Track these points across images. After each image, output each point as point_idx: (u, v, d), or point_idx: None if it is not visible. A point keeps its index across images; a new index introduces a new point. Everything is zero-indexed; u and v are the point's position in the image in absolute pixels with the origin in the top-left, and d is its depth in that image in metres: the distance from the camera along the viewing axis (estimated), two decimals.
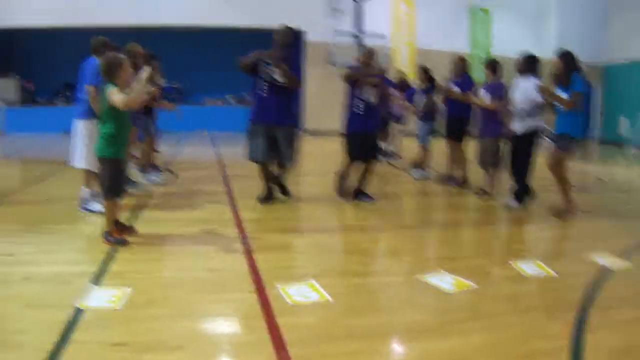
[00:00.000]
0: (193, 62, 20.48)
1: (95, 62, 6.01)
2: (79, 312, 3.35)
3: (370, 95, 7.02)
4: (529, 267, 4.57)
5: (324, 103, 19.21)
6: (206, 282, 4.07)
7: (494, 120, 7.68)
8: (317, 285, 3.92)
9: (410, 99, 10.71)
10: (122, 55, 5.06)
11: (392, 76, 12.62)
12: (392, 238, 5.94)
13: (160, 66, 8.65)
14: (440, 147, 9.66)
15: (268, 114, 6.70)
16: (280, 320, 3.32)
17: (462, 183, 8.83)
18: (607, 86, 21.54)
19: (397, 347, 3.15)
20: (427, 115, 9.91)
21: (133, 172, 8.42)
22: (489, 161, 7.77)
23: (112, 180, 4.97)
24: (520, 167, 7.15)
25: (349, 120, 7.18)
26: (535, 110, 6.94)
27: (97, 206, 6.11)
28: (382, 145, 12.60)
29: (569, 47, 6.63)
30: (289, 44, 6.83)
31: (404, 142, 12.55)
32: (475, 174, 8.42)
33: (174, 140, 15.11)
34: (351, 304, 3.83)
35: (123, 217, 5.58)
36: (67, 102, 18.09)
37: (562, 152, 6.57)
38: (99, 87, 5.23)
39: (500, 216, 6.96)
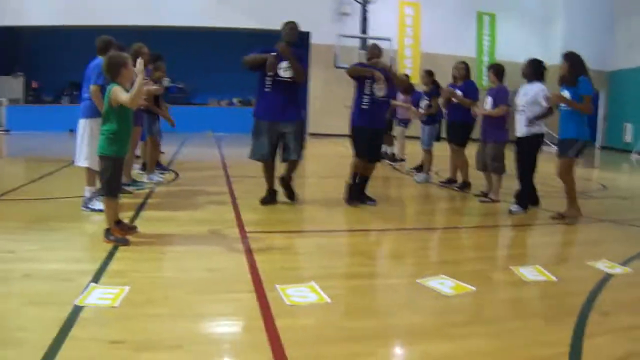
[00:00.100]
0: (198, 63, 20.53)
1: (100, 61, 6.04)
2: (78, 309, 3.35)
3: (377, 90, 6.94)
4: (530, 272, 4.55)
5: (327, 106, 19.26)
6: (206, 282, 4.07)
7: (498, 125, 7.69)
8: (317, 287, 3.92)
9: (415, 102, 10.71)
10: (125, 54, 5.09)
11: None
12: (393, 241, 5.95)
13: (165, 66, 8.67)
14: (443, 151, 9.66)
15: (273, 110, 6.68)
16: (279, 322, 3.31)
17: (464, 186, 8.84)
18: (612, 92, 21.50)
19: (395, 350, 3.15)
20: (431, 119, 9.92)
21: (135, 172, 8.46)
22: (492, 166, 7.76)
23: (111, 178, 4.99)
24: (524, 170, 7.16)
25: (356, 115, 7.12)
26: (540, 115, 6.95)
27: (99, 205, 6.13)
28: (387, 149, 12.64)
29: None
30: (295, 39, 6.78)
31: (408, 145, 12.53)
32: (478, 178, 8.42)
33: (177, 141, 15.13)
34: (350, 305, 3.83)
35: (125, 216, 5.61)
36: (73, 101, 18.17)
37: (572, 158, 6.56)
38: (103, 86, 5.25)
39: (502, 221, 6.95)
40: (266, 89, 6.70)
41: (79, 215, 6.11)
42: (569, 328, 3.40)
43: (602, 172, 14.21)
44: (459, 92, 8.58)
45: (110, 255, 4.53)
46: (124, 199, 6.59)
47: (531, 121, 6.92)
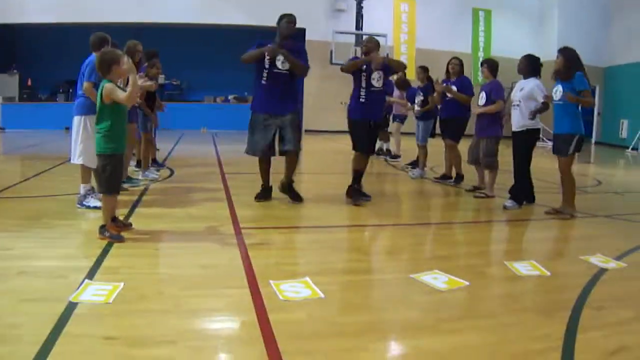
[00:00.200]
0: (193, 60, 20.52)
1: (93, 58, 6.04)
2: (72, 306, 3.35)
3: (374, 80, 6.91)
4: (524, 267, 4.57)
5: (322, 102, 19.28)
6: (199, 278, 4.07)
7: (491, 121, 7.72)
8: (311, 282, 3.93)
9: (411, 98, 10.72)
10: (118, 52, 5.08)
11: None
12: (387, 237, 5.96)
13: (160, 64, 8.67)
14: (438, 147, 9.69)
15: (270, 103, 6.62)
16: (272, 316, 3.32)
17: (458, 180, 8.89)
18: (608, 88, 21.55)
19: (388, 345, 3.15)
20: (425, 115, 9.93)
21: (130, 168, 8.45)
22: (485, 162, 7.79)
23: (111, 176, 4.98)
24: (519, 165, 7.20)
25: (353, 108, 7.09)
26: (535, 110, 6.97)
27: (94, 202, 6.14)
28: (382, 145, 12.66)
29: None
30: (292, 32, 6.71)
31: (403, 141, 12.55)
32: (471, 173, 8.45)
33: (173, 138, 15.13)
34: (344, 301, 3.85)
35: (120, 213, 5.62)
36: (68, 99, 18.16)
37: (572, 156, 6.58)
38: (96, 83, 5.25)
39: (497, 216, 6.96)
40: (263, 82, 6.64)
41: (74, 213, 6.10)
42: (562, 322, 3.42)
43: (597, 167, 14.25)
44: (453, 88, 8.60)
45: (104, 252, 4.53)
46: (119, 196, 6.59)
47: (528, 114, 6.95)
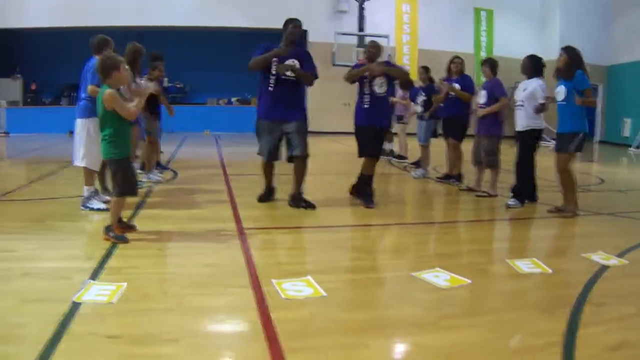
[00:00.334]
0: (196, 62, 20.55)
1: (95, 61, 6.07)
2: (76, 306, 3.38)
3: (376, 86, 6.87)
4: (525, 265, 4.58)
5: (324, 104, 19.31)
6: (202, 278, 4.10)
7: (492, 119, 7.74)
8: (313, 281, 3.95)
9: (413, 98, 10.74)
10: (119, 57, 5.09)
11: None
12: (390, 236, 5.98)
13: (164, 66, 8.69)
14: (440, 147, 9.70)
15: (276, 110, 6.54)
16: (274, 315, 3.35)
17: (458, 179, 8.90)
18: (611, 86, 21.53)
19: (389, 342, 3.16)
20: (426, 114, 9.95)
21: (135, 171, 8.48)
22: (487, 161, 7.81)
23: (124, 179, 5.03)
24: (522, 164, 7.22)
25: (358, 115, 7.04)
26: (535, 110, 6.99)
27: (97, 204, 6.17)
28: (386, 145, 12.67)
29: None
30: (298, 38, 6.66)
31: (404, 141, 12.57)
32: (472, 173, 8.47)
33: (176, 140, 15.16)
34: (346, 299, 3.87)
35: (124, 215, 5.63)
36: (72, 103, 18.20)
37: (572, 153, 6.59)
38: (98, 86, 5.28)
39: (499, 215, 6.97)
40: (270, 88, 6.53)
41: (78, 215, 6.14)
42: (563, 318, 3.43)
43: (600, 166, 14.25)
44: (457, 86, 8.61)
45: (108, 253, 4.57)
46: None
47: (532, 114, 6.97)
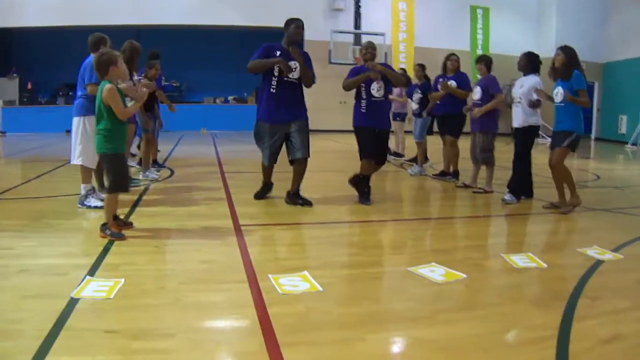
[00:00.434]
0: (192, 61, 20.56)
1: (92, 59, 6.09)
2: (74, 301, 3.40)
3: (374, 90, 6.81)
4: (521, 260, 4.61)
5: (321, 102, 19.24)
6: (199, 274, 4.12)
7: (487, 116, 7.77)
8: (309, 276, 3.98)
9: (409, 96, 10.77)
10: (115, 52, 5.12)
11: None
12: (386, 232, 5.98)
13: (160, 65, 8.70)
14: (437, 145, 9.72)
15: (279, 112, 6.49)
16: (271, 309, 3.37)
17: (455, 176, 8.93)
18: (606, 84, 21.59)
19: (385, 335, 3.18)
20: (422, 111, 9.97)
21: (133, 169, 8.51)
22: (481, 157, 7.85)
23: (117, 174, 5.05)
24: (519, 161, 7.26)
25: (355, 117, 6.98)
26: (536, 107, 7.04)
27: (95, 202, 6.19)
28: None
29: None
30: (300, 38, 6.63)
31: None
32: (468, 170, 8.49)
33: (173, 139, 15.17)
34: (342, 293, 3.89)
35: (121, 212, 5.66)
36: (68, 102, 18.18)
37: (566, 149, 6.62)
38: (97, 84, 5.30)
39: (495, 211, 7.01)
40: (272, 90, 6.48)
41: (75, 213, 6.15)
42: (558, 312, 3.46)
43: (596, 163, 14.29)
44: (453, 84, 8.64)
45: (105, 250, 4.59)
46: (119, 196, 6.63)
47: (528, 110, 7.01)
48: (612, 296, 3.84)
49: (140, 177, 8.30)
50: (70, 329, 3.02)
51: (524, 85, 7.14)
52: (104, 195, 6.26)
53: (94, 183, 6.59)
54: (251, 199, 6.94)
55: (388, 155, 12.22)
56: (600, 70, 21.50)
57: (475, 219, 6.74)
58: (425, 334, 3.15)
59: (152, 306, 3.42)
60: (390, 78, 6.96)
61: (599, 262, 4.62)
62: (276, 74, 6.45)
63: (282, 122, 6.52)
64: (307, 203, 6.74)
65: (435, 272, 4.19)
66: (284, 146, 6.73)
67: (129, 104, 5.23)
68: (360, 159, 7.02)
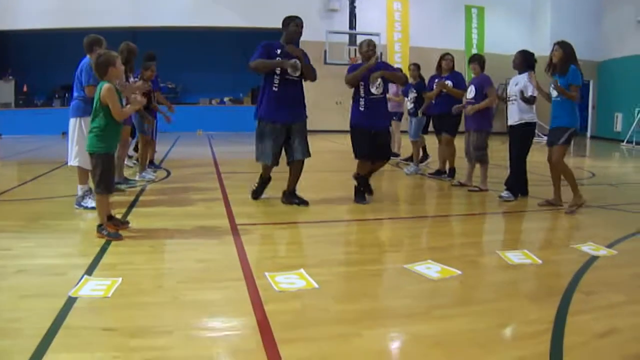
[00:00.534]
0: (188, 62, 20.54)
1: (87, 60, 6.12)
2: (72, 300, 3.42)
3: (373, 88, 6.78)
4: (516, 256, 4.64)
5: (317, 102, 19.27)
6: (196, 272, 4.14)
7: (481, 114, 7.81)
8: (305, 274, 4.00)
9: (405, 95, 10.80)
10: (114, 53, 5.14)
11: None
12: (382, 230, 6.01)
13: (156, 66, 8.70)
14: (432, 143, 9.75)
15: (281, 111, 6.45)
16: (267, 307, 3.39)
17: (451, 174, 8.96)
18: (601, 82, 21.64)
19: (381, 331, 3.20)
20: (417, 111, 10.01)
21: (132, 169, 8.53)
22: (475, 155, 7.88)
23: (103, 174, 5.04)
24: (515, 158, 7.29)
25: (354, 116, 6.94)
26: (530, 104, 7.08)
27: (92, 203, 6.20)
28: None
29: None
30: (300, 37, 6.61)
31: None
32: (464, 168, 8.52)
33: (169, 140, 15.18)
34: (338, 290, 3.91)
35: (118, 213, 5.68)
36: (64, 104, 18.19)
37: (565, 146, 6.64)
38: (95, 85, 5.31)
39: (490, 208, 7.04)
40: (275, 89, 6.43)
41: (72, 213, 6.17)
42: (553, 307, 3.49)
43: (592, 160, 14.34)
44: (449, 83, 8.67)
45: (102, 250, 4.60)
46: (116, 197, 6.67)
47: (524, 107, 7.05)
48: (606, 291, 3.87)
49: (137, 178, 8.31)
50: (69, 327, 3.04)
51: (519, 83, 7.19)
52: None
53: (91, 184, 6.59)
54: (248, 199, 6.95)
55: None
56: (595, 68, 21.56)
57: (471, 216, 6.77)
58: (421, 330, 3.17)
59: (150, 304, 3.44)
60: (391, 78, 7.00)
61: (593, 258, 4.65)
62: (278, 72, 6.43)
63: (284, 122, 6.49)
64: (303, 202, 6.75)
65: (431, 269, 4.22)
66: None
67: (125, 108, 5.25)
68: (355, 158, 7.02)
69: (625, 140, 18.89)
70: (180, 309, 3.38)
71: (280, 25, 6.66)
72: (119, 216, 5.53)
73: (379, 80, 6.82)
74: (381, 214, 6.60)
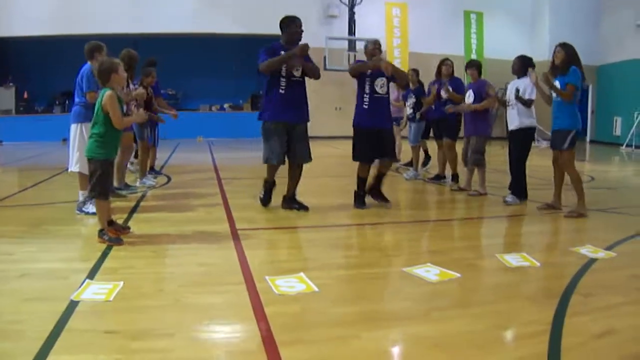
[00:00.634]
0: (188, 68, 20.57)
1: (88, 66, 6.16)
2: (74, 304, 3.45)
3: (377, 86, 6.75)
4: (514, 259, 4.66)
5: (316, 108, 19.29)
6: (197, 276, 4.16)
7: (481, 119, 7.85)
8: (305, 278, 4.02)
9: (404, 100, 10.82)
10: (116, 60, 5.18)
11: None
12: (382, 234, 6.04)
13: (156, 73, 8.73)
14: (432, 148, 9.77)
15: (287, 112, 6.45)
16: (268, 309, 3.42)
17: (453, 179, 8.98)
18: (600, 86, 21.66)
19: (380, 333, 3.22)
20: (417, 116, 10.03)
21: (133, 176, 8.55)
22: (473, 159, 7.91)
23: (100, 180, 5.06)
24: (515, 162, 7.32)
25: (356, 115, 6.90)
26: (529, 108, 7.12)
27: (93, 208, 6.22)
28: None
29: None
30: (299, 36, 6.61)
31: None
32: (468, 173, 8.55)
33: (169, 146, 15.21)
34: (337, 293, 3.93)
35: (119, 218, 5.70)
36: (65, 110, 18.24)
37: (572, 151, 6.66)
38: (97, 91, 5.35)
39: (490, 212, 7.07)
40: (281, 91, 6.44)
41: (74, 219, 6.19)
42: (551, 308, 3.50)
43: (591, 164, 14.36)
44: (450, 88, 8.71)
45: (104, 255, 4.63)
46: (117, 202, 6.71)
47: (523, 112, 7.09)
48: (604, 292, 3.89)
49: (137, 184, 8.34)
50: (71, 330, 3.06)
51: (517, 88, 7.21)
52: None
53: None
54: (248, 204, 6.98)
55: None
56: (594, 72, 21.58)
57: (470, 220, 6.80)
58: (420, 331, 3.19)
59: (151, 307, 3.47)
60: (397, 75, 6.88)
61: (592, 261, 4.67)
62: (284, 74, 6.44)
63: (288, 122, 6.50)
64: (303, 207, 6.77)
65: (430, 272, 4.24)
66: None
67: (128, 118, 5.30)
68: (353, 160, 7.00)
69: (625, 144, 18.91)
70: (181, 312, 3.41)
71: (279, 32, 6.67)
72: (120, 222, 5.56)
73: (384, 79, 6.80)
74: (381, 218, 6.62)
